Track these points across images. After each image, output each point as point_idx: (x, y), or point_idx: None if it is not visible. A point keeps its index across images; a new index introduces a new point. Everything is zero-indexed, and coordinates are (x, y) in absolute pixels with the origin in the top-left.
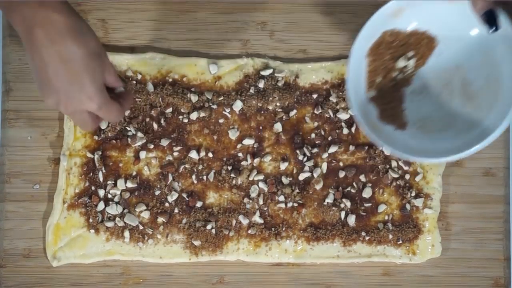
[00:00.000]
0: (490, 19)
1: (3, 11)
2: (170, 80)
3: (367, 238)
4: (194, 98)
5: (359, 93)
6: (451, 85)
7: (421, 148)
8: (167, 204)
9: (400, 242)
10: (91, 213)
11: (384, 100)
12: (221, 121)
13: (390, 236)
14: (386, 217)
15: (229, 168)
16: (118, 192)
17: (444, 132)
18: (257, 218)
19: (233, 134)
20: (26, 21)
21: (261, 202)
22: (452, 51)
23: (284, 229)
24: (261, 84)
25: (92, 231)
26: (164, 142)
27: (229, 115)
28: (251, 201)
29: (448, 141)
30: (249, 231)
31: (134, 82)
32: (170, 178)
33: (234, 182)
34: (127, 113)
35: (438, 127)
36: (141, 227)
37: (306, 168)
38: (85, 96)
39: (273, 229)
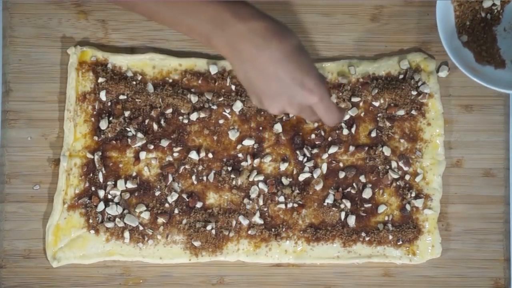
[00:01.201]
0: None
1: (204, 40)
2: (170, 80)
3: (367, 238)
4: (194, 98)
5: (452, 39)
6: None
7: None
8: (167, 205)
9: (400, 242)
10: (91, 213)
11: (478, 43)
12: (221, 121)
13: (390, 237)
14: (386, 218)
15: (229, 168)
16: (118, 193)
17: None
18: (257, 219)
19: (233, 135)
20: (230, 40)
21: (261, 202)
22: None
23: (284, 229)
24: None
25: (92, 231)
26: (164, 143)
27: (229, 116)
28: (251, 201)
29: None
30: (249, 232)
31: (134, 82)
32: (170, 178)
33: (234, 182)
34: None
35: None
36: (141, 228)
37: (306, 168)
38: (306, 91)
39: (273, 229)
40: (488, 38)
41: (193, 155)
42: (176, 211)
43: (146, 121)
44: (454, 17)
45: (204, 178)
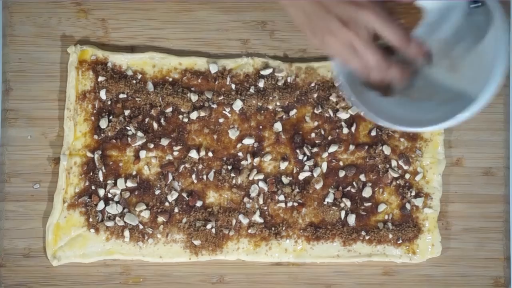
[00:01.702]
0: None
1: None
2: (170, 79)
3: (367, 237)
4: (194, 97)
5: None
6: (436, 56)
7: (404, 117)
8: (167, 204)
9: (400, 241)
10: (91, 212)
11: None
12: (221, 120)
13: (390, 236)
14: (386, 217)
15: (229, 167)
16: (118, 192)
17: (428, 102)
18: (257, 218)
19: (233, 134)
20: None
21: (261, 201)
22: (438, 23)
23: (284, 228)
24: (261, 84)
25: (92, 230)
26: (164, 142)
27: (229, 115)
28: (251, 200)
29: (431, 111)
30: (249, 231)
31: (134, 81)
32: (170, 177)
33: (234, 181)
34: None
35: (422, 96)
36: (141, 227)
37: (306, 167)
38: (354, 5)
39: (273, 228)
40: None
41: (193, 154)
42: (176, 210)
43: (146, 120)
44: None
45: (204, 177)
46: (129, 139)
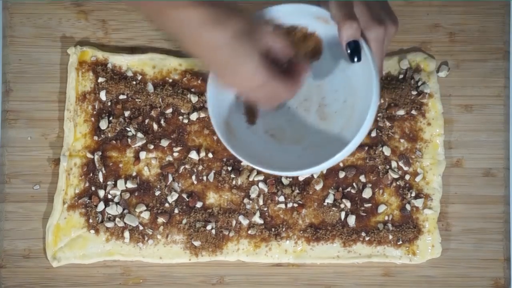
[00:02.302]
0: (354, 50)
1: (153, 17)
2: (170, 80)
3: (367, 238)
4: (194, 98)
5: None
6: (309, 102)
7: (271, 160)
8: (167, 205)
9: (400, 242)
10: (91, 213)
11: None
12: None
13: (390, 237)
14: (386, 218)
15: (229, 168)
16: (118, 193)
17: (292, 146)
18: (257, 219)
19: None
20: (176, 26)
21: (261, 202)
22: (316, 68)
23: (284, 229)
24: None
25: (92, 231)
26: (164, 143)
27: None
28: (251, 201)
29: (294, 155)
30: (249, 232)
31: (134, 82)
32: (170, 178)
33: (234, 182)
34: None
35: (290, 139)
36: (141, 228)
37: None
38: (246, 77)
39: (273, 229)
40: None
41: (193, 155)
42: (176, 211)
43: (146, 121)
44: None
45: (204, 178)
46: (129, 140)
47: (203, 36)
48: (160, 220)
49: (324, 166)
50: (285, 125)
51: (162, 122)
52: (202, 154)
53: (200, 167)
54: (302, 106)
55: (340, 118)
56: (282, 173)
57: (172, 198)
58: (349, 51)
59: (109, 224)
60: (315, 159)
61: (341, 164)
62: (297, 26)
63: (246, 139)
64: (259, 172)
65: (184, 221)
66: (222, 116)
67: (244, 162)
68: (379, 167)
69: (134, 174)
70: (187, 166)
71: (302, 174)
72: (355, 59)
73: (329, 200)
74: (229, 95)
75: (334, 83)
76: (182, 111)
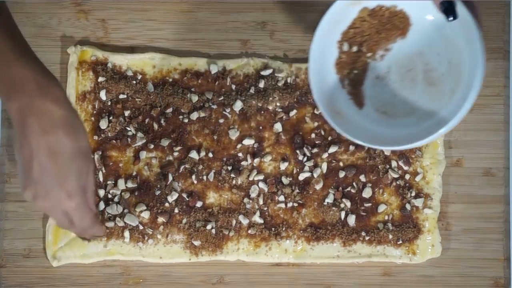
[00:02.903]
0: (448, 8)
1: (2, 99)
2: (170, 80)
3: (367, 238)
4: (194, 98)
5: (324, 72)
6: (414, 71)
7: (385, 135)
8: (167, 204)
9: (400, 242)
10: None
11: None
12: (221, 121)
13: (390, 236)
14: (386, 217)
15: (229, 168)
16: (118, 192)
17: (406, 119)
18: (257, 218)
19: (233, 134)
20: (22, 109)
21: (261, 202)
22: (414, 36)
23: (284, 229)
24: (261, 84)
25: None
26: (164, 142)
27: (229, 115)
28: (251, 201)
29: (409, 128)
30: (249, 231)
31: (134, 82)
32: (170, 178)
33: (234, 182)
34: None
35: (400, 113)
36: (141, 227)
37: (306, 168)
38: (64, 193)
39: (273, 229)
40: (360, 80)
41: (193, 154)
42: (176, 210)
43: (146, 120)
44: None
45: (204, 177)
46: (129, 139)
47: (50, 136)
48: (160, 219)
49: (441, 132)
50: (395, 100)
51: (162, 121)
52: (202, 153)
53: (200, 167)
54: (407, 77)
55: (449, 81)
56: (404, 147)
57: (172, 197)
58: (443, 9)
59: (109, 224)
60: (431, 127)
61: (341, 164)
62: (383, 5)
63: (359, 121)
64: (259, 172)
65: (184, 220)
66: (329, 102)
67: (364, 145)
68: (379, 166)
69: (134, 173)
70: (187, 166)
71: (423, 143)
72: (451, 18)
73: (329, 199)
74: (332, 79)
75: (434, 46)
76: (182, 110)
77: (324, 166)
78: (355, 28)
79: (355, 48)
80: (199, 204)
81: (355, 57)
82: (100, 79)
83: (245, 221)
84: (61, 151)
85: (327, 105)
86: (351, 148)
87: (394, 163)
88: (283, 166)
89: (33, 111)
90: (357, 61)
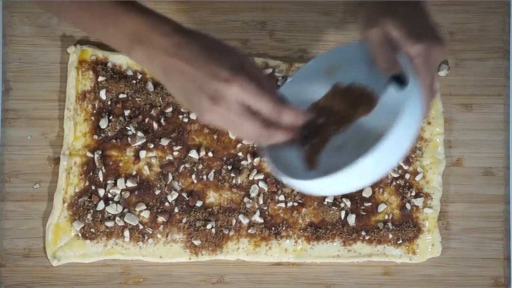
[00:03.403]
0: (397, 81)
1: (125, 53)
2: None
3: (367, 237)
4: None
5: None
6: (368, 141)
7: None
8: (167, 204)
9: (400, 241)
10: (91, 212)
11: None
12: None
13: (390, 236)
14: (386, 217)
15: (229, 167)
16: (118, 192)
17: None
18: (257, 218)
19: (233, 134)
20: (147, 54)
21: (261, 201)
22: (378, 112)
23: (284, 228)
24: None
25: (92, 230)
26: (164, 142)
27: None
28: (251, 200)
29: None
30: (249, 231)
31: (134, 81)
32: (170, 177)
33: (234, 181)
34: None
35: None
36: (141, 227)
37: None
38: (222, 82)
39: (273, 228)
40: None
41: (193, 154)
42: (176, 210)
43: (146, 120)
44: None
45: (204, 177)
46: (129, 139)
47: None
48: (160, 219)
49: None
50: (345, 166)
51: (162, 121)
52: (202, 153)
53: (200, 166)
54: (362, 147)
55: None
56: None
57: (172, 197)
58: (392, 81)
59: (109, 223)
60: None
61: None
62: (356, 83)
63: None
64: (259, 171)
65: (184, 220)
66: (279, 156)
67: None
68: None
69: (134, 173)
70: (187, 165)
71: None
72: (399, 88)
73: (329, 199)
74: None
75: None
76: (182, 110)
77: None
78: (325, 101)
79: (321, 120)
80: (199, 203)
81: (319, 127)
82: (100, 78)
83: (245, 221)
84: (195, 54)
85: (275, 157)
86: None
87: None
88: None
89: (157, 50)
90: (320, 131)
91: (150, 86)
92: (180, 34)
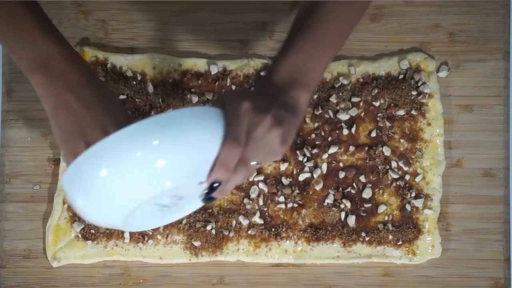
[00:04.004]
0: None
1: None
2: (170, 80)
3: (367, 238)
4: (194, 98)
5: None
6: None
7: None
8: None
9: (400, 242)
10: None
11: None
12: None
13: (390, 237)
14: (386, 218)
15: None
16: None
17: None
18: (257, 219)
19: None
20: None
21: (261, 202)
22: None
23: (284, 229)
24: None
25: (92, 231)
26: None
27: None
28: (251, 201)
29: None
30: (249, 232)
31: (134, 82)
32: None
33: None
34: None
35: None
36: None
37: (306, 168)
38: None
39: (273, 229)
40: None
41: None
42: None
43: None
44: None
45: None
46: None
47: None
48: None
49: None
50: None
51: None
52: None
53: None
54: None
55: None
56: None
57: None
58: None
59: None
60: None
61: (341, 164)
62: None
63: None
64: (259, 172)
65: (184, 221)
66: None
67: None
68: (379, 167)
69: None
70: None
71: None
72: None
73: (329, 200)
74: None
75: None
76: None
77: (324, 166)
78: None
79: None
80: None
81: None
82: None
83: (245, 222)
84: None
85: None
86: (351, 148)
87: (394, 164)
88: (283, 166)
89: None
90: None
91: (150, 87)
92: (86, 76)
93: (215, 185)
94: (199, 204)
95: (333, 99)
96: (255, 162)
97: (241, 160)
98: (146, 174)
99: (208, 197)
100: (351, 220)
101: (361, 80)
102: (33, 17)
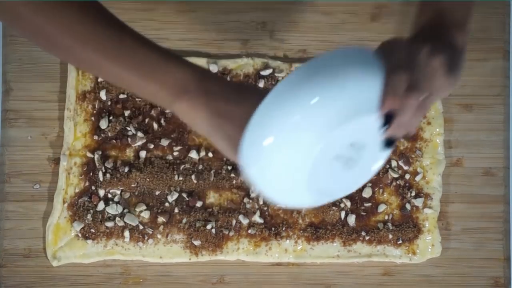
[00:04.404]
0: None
1: (165, 104)
2: None
3: (367, 238)
4: None
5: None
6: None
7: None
8: (167, 204)
9: (400, 242)
10: (91, 213)
11: None
12: None
13: (390, 236)
14: (386, 217)
15: (229, 168)
16: (118, 192)
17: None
18: (257, 218)
19: None
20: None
21: (261, 202)
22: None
23: (284, 228)
24: (261, 84)
25: (92, 230)
26: (164, 142)
27: None
28: (251, 200)
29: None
30: (249, 231)
31: None
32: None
33: (234, 181)
34: None
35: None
36: (141, 227)
37: None
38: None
39: (273, 228)
40: None
41: (193, 154)
42: (176, 210)
43: (146, 120)
44: None
45: (204, 177)
46: (129, 139)
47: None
48: (160, 219)
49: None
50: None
51: (162, 121)
52: (202, 153)
53: (200, 166)
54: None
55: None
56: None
57: (172, 197)
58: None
59: (109, 224)
60: None
61: None
62: None
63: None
64: None
65: (184, 220)
66: None
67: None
68: None
69: None
70: (187, 165)
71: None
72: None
73: None
74: None
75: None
76: None
77: None
78: None
79: None
80: (199, 204)
81: None
82: (100, 79)
83: (245, 221)
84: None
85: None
86: None
87: (394, 163)
88: None
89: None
90: None
91: None
92: (224, 86)
93: (389, 118)
94: (382, 154)
95: None
96: (424, 94)
97: (410, 87)
98: (311, 122)
99: (388, 138)
100: (351, 219)
101: None
102: (152, 49)
